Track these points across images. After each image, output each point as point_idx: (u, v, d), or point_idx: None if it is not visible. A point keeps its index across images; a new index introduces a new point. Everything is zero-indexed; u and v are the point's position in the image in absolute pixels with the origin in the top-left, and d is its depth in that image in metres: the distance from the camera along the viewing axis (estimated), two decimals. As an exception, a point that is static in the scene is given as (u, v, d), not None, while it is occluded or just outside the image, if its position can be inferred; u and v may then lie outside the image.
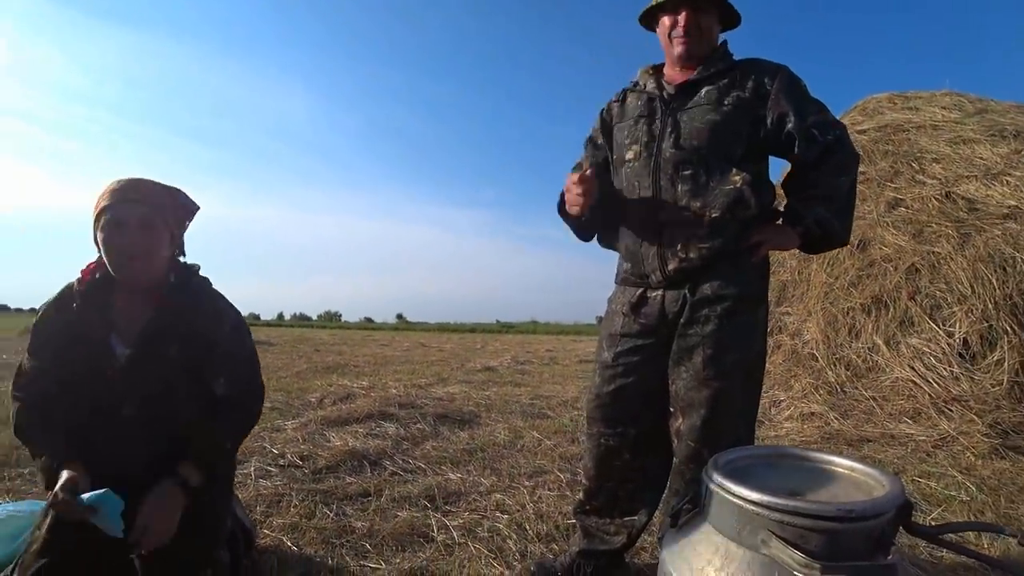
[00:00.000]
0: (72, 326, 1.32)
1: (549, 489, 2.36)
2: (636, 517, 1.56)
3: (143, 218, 1.30)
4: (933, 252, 3.59)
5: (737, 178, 1.36)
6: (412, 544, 1.84)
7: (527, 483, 2.44)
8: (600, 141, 1.65)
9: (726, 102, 1.40)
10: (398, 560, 1.72)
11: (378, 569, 1.66)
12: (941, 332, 3.33)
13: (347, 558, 1.73)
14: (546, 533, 1.93)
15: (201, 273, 1.47)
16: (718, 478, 0.84)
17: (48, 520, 1.23)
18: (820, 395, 3.56)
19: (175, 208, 1.39)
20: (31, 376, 1.34)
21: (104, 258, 1.32)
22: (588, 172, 1.41)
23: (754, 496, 0.77)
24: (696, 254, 1.37)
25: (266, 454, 2.73)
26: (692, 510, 0.94)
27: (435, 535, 1.90)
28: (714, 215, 1.36)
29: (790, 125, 1.37)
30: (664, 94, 1.47)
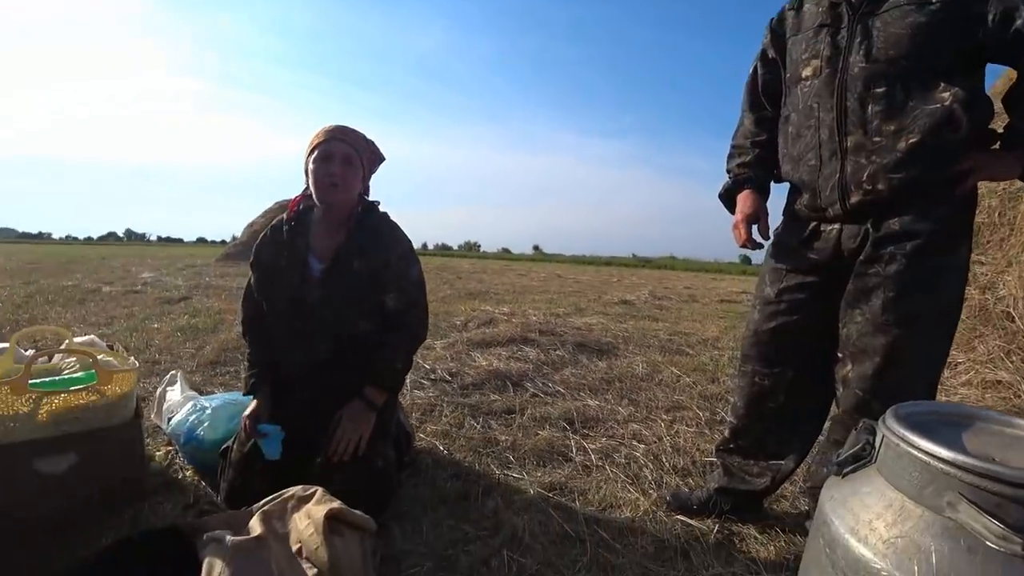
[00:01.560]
0: (281, 247, 1.61)
1: (687, 425, 2.34)
2: (783, 462, 1.49)
3: (346, 154, 1.53)
4: None
5: (945, 94, 1.13)
6: (551, 461, 1.95)
7: (665, 416, 2.44)
8: (772, 55, 1.47)
9: None
10: (539, 474, 1.83)
11: (520, 479, 1.78)
12: None
13: (492, 466, 1.87)
14: (682, 467, 1.93)
15: (380, 208, 1.69)
16: (901, 430, 0.77)
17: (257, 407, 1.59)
18: (1012, 362, 3.06)
19: (369, 152, 1.62)
20: (252, 287, 1.68)
21: (311, 186, 1.56)
22: (754, 240, 1.47)
23: (945, 454, 0.70)
24: (885, 185, 1.18)
25: (419, 369, 3.00)
26: (859, 461, 0.88)
27: (573, 456, 1.98)
28: (912, 140, 1.15)
29: (1020, 21, 1.09)
30: None
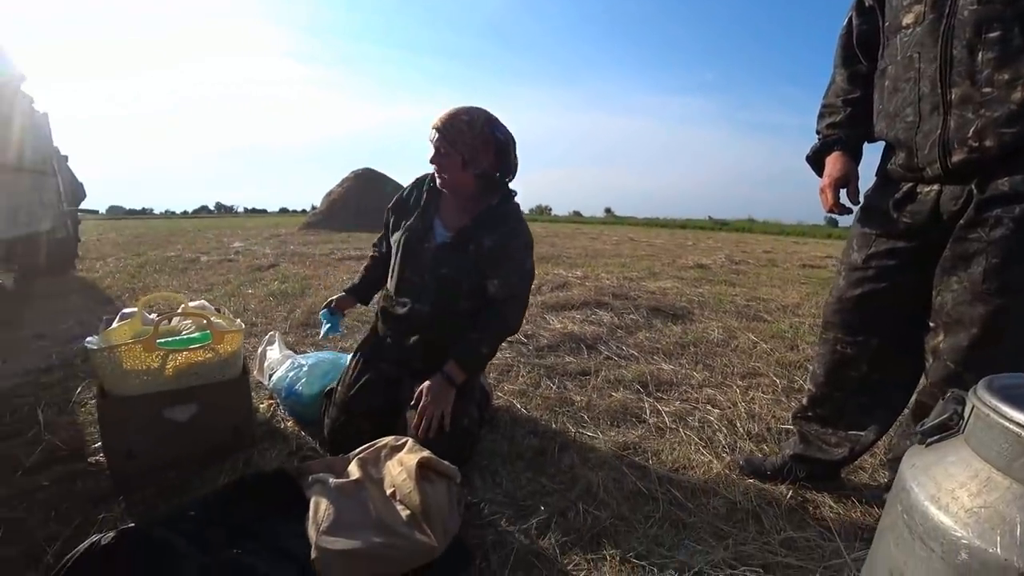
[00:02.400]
0: (417, 202, 1.77)
1: (763, 392, 2.32)
2: (863, 433, 1.45)
3: (438, 146, 1.61)
4: None
5: None
6: (625, 422, 1.99)
7: (740, 382, 2.42)
8: (869, 3, 1.36)
9: None
10: (613, 433, 1.88)
11: (595, 438, 1.85)
12: None
13: (568, 424, 1.95)
14: (757, 433, 1.93)
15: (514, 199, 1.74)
16: (992, 400, 0.76)
17: (357, 364, 1.79)
18: None
19: (470, 139, 1.60)
20: (384, 232, 1.90)
21: None
22: (842, 205, 1.40)
23: (1040, 426, 0.69)
24: (995, 141, 1.09)
25: (495, 330, 3.10)
26: (945, 431, 0.87)
27: (647, 417, 2.02)
28: None
29: None
30: None
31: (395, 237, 1.77)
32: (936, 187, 1.22)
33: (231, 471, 1.58)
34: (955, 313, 1.19)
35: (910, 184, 1.27)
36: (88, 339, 1.60)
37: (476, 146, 1.60)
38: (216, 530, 1.20)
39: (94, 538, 1.05)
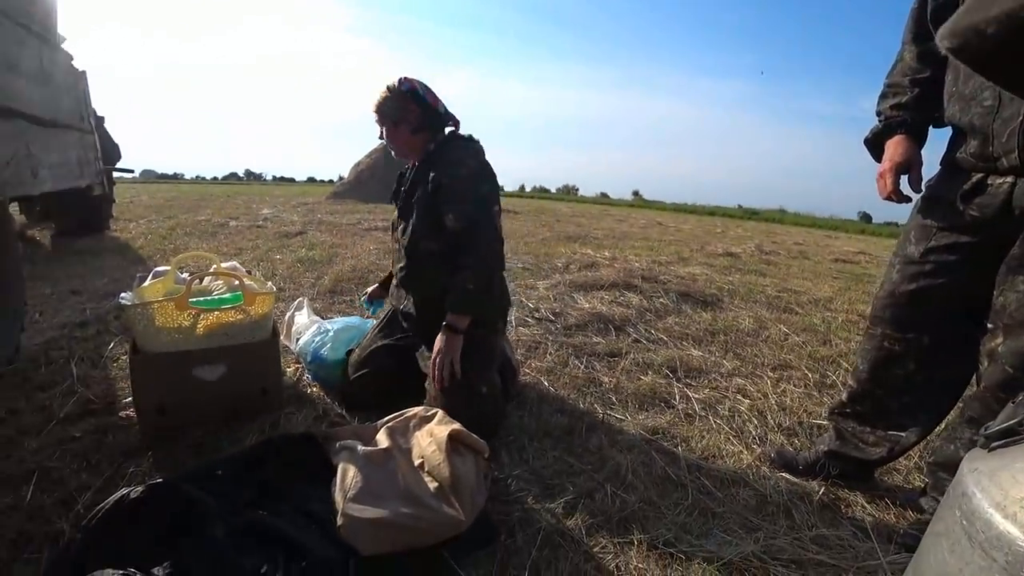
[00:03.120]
0: (400, 177, 1.90)
1: (794, 385, 2.26)
2: (904, 434, 1.39)
3: (377, 124, 1.75)
4: None
5: None
6: (654, 406, 1.96)
7: (771, 374, 2.36)
8: None
9: None
10: (641, 417, 1.85)
11: (623, 420, 1.82)
12: None
13: (595, 405, 1.92)
14: (788, 426, 1.88)
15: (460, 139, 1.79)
16: (1076, 406, 0.71)
17: (376, 328, 1.90)
18: None
19: (389, 102, 1.71)
20: None
21: None
22: (901, 192, 1.32)
23: None
24: None
25: (523, 307, 3.08)
26: (1013, 436, 0.82)
27: (676, 403, 1.99)
28: None
29: None
30: None
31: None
32: (1011, 179, 1.14)
33: (259, 432, 1.59)
34: (1019, 315, 1.12)
35: (980, 175, 1.19)
36: (122, 295, 1.61)
37: (397, 105, 1.70)
38: (243, 490, 1.20)
39: (124, 491, 1.05)
